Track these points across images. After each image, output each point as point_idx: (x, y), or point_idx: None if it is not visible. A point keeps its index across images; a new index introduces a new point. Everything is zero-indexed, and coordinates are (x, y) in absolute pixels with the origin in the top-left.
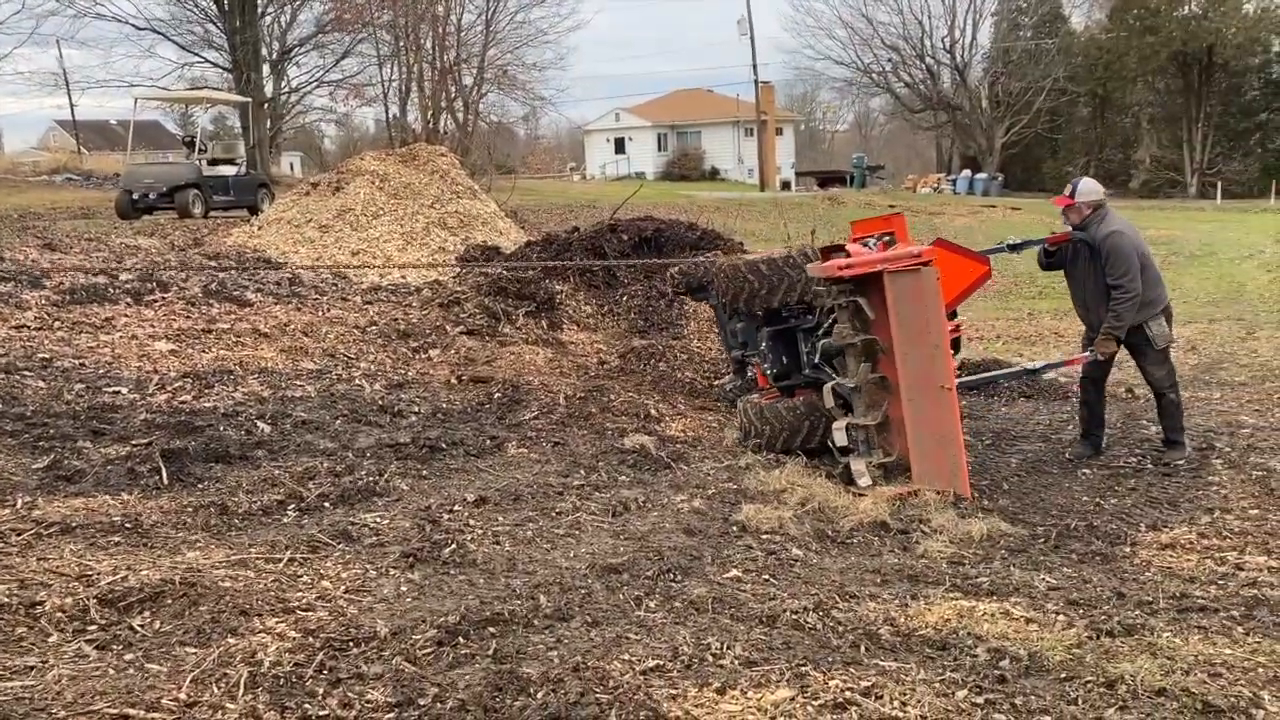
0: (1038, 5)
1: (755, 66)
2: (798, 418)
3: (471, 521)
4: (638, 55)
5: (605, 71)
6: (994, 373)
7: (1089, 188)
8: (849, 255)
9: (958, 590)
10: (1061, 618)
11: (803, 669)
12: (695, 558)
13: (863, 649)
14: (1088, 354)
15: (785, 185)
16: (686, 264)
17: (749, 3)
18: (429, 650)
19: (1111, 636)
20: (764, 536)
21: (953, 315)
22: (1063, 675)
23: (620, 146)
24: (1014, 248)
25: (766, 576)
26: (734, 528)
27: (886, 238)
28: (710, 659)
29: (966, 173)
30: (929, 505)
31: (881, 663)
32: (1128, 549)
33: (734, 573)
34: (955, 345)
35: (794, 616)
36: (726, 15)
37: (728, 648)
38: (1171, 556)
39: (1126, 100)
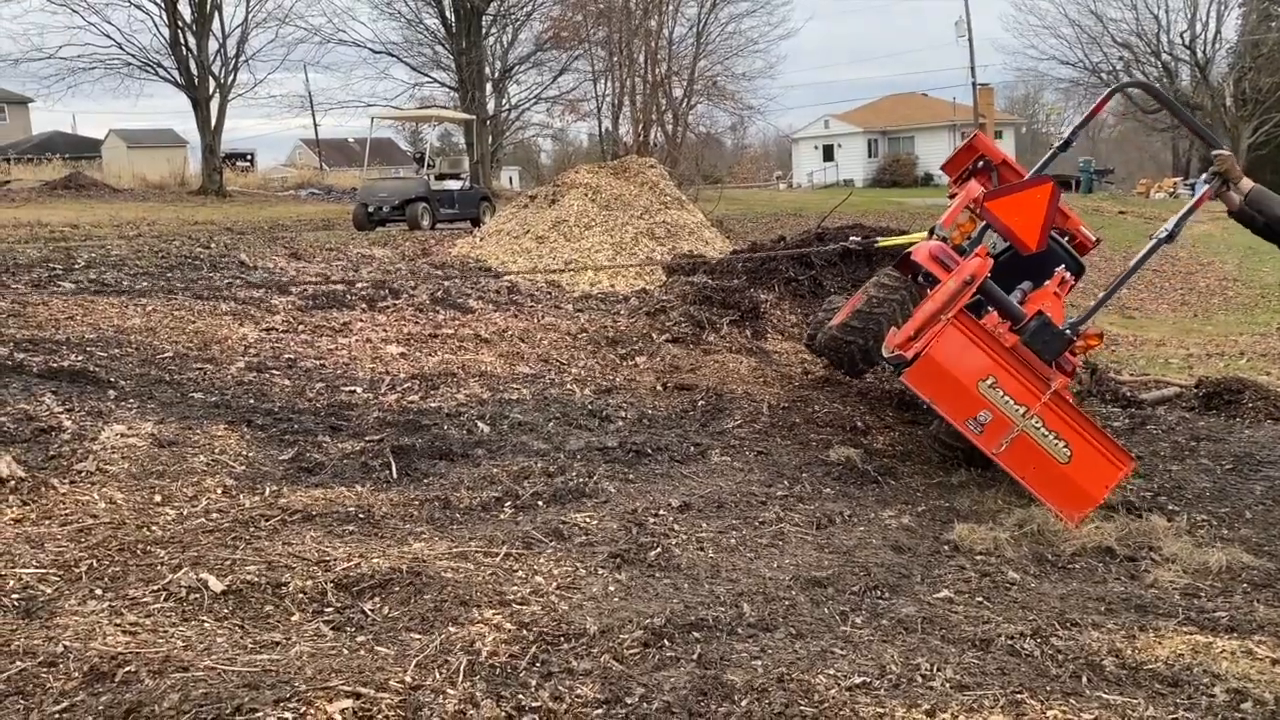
0: None
1: (973, 68)
2: None
3: (676, 526)
4: (848, 61)
5: (814, 79)
6: (1127, 273)
7: None
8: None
9: (1192, 624)
10: None
11: (1018, 696)
12: (904, 575)
13: (1084, 680)
14: (1205, 185)
15: None
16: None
17: (967, 3)
18: (635, 650)
19: None
20: (978, 557)
21: (1072, 262)
22: None
23: (829, 154)
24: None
25: (980, 599)
26: (945, 547)
27: (980, 163)
28: (919, 680)
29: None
30: (1160, 532)
31: (1105, 695)
32: None
33: (945, 593)
34: (1078, 269)
35: (1010, 642)
36: (943, 17)
37: (938, 669)
38: None
39: None
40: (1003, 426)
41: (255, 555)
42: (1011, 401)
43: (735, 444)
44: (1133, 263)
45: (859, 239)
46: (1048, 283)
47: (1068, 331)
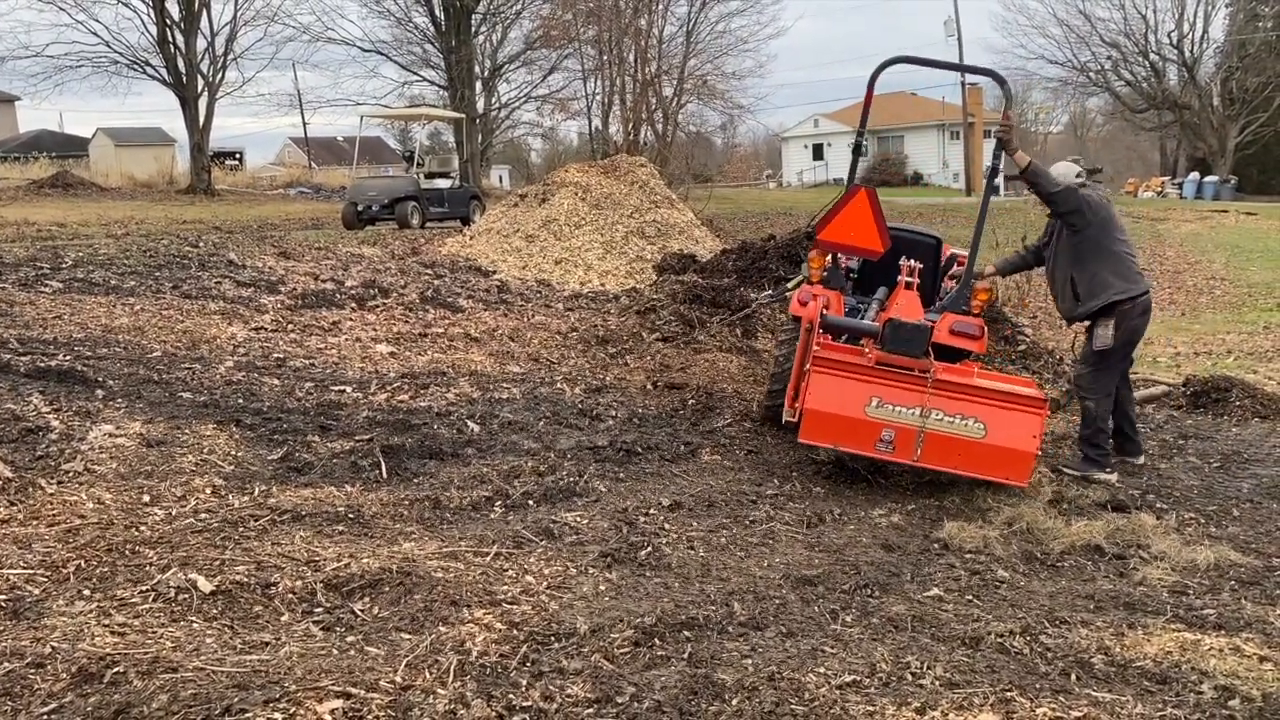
0: None
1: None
2: None
3: (667, 525)
4: (838, 60)
5: (804, 78)
6: (977, 229)
7: (1059, 170)
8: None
9: (1180, 621)
10: None
11: (1008, 694)
12: (894, 574)
13: (1074, 677)
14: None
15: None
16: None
17: (956, 3)
18: (626, 649)
19: None
20: (967, 555)
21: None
22: None
23: (818, 153)
24: None
25: (970, 597)
26: (935, 545)
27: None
28: (909, 678)
29: (1194, 175)
30: (1148, 530)
31: (1094, 693)
32: None
33: (935, 591)
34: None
35: (999, 640)
36: (932, 17)
37: (928, 667)
38: None
39: None
40: (908, 435)
41: (244, 555)
42: (903, 409)
43: (726, 442)
44: (979, 215)
45: (770, 294)
46: (898, 279)
47: (925, 321)
